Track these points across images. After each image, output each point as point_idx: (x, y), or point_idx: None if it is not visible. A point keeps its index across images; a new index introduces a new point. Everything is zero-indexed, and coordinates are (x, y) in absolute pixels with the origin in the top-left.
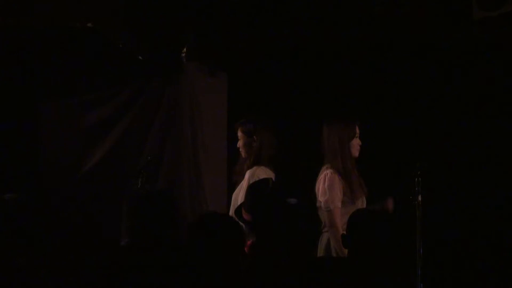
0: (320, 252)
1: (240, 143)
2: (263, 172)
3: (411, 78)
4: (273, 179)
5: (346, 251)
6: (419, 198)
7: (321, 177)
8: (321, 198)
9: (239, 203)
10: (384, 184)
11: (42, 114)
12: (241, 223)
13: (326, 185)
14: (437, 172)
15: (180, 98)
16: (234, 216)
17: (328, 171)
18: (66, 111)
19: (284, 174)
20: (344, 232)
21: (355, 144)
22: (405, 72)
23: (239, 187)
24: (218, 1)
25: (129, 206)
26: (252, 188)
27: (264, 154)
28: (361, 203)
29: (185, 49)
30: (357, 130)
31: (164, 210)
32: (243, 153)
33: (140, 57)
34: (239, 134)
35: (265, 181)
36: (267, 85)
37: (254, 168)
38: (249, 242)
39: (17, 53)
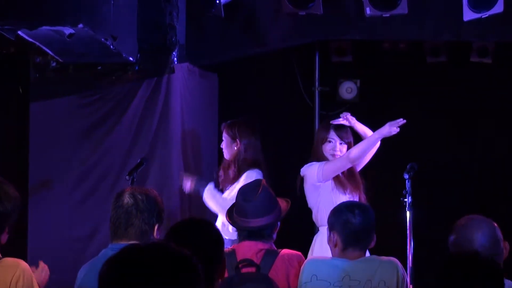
0: (311, 252)
1: (223, 144)
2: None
3: (404, 79)
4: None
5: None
6: (410, 199)
7: None
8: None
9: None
10: (376, 185)
11: (33, 114)
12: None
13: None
14: (427, 173)
15: (170, 99)
16: (226, 218)
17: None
18: (57, 112)
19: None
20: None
21: (328, 149)
22: (400, 74)
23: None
24: (209, 3)
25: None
26: (243, 190)
27: (248, 156)
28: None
29: (176, 51)
30: (333, 136)
31: (152, 210)
32: (225, 154)
33: (131, 59)
34: (224, 135)
35: (257, 182)
36: (257, 86)
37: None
38: (228, 249)
39: (9, 53)
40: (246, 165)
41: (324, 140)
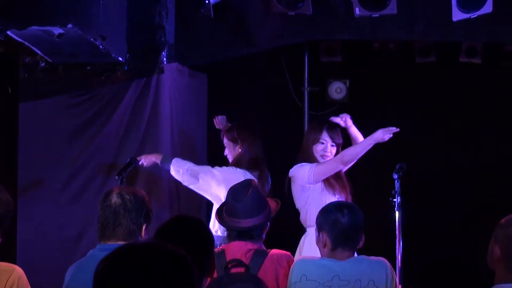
0: (299, 253)
1: (226, 150)
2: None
3: (394, 80)
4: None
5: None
6: (399, 199)
7: None
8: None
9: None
10: (367, 184)
11: (22, 114)
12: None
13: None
14: (417, 173)
15: (160, 100)
16: (215, 217)
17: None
18: (46, 112)
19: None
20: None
21: (318, 150)
22: (389, 74)
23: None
24: (198, 3)
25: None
26: (234, 190)
27: (245, 157)
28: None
29: (165, 51)
30: (325, 137)
31: (140, 209)
32: (229, 159)
33: (120, 59)
34: (225, 140)
35: (247, 182)
36: (246, 86)
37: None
38: (217, 249)
39: None
40: (242, 164)
41: (316, 140)
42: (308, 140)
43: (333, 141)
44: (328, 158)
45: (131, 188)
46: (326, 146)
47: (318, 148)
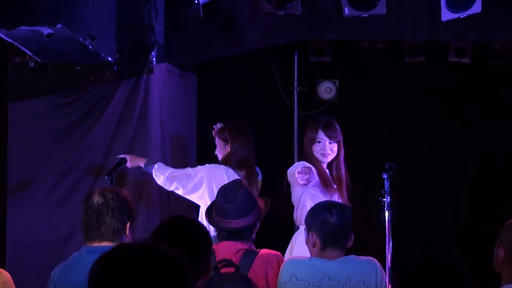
0: (290, 250)
1: (217, 150)
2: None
3: (383, 79)
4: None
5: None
6: (389, 199)
7: None
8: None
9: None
10: (354, 184)
11: (11, 115)
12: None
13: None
14: (406, 173)
15: (149, 100)
16: (204, 216)
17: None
18: (36, 112)
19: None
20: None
21: (318, 150)
22: (378, 74)
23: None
24: (188, 3)
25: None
26: (223, 190)
27: (234, 157)
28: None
29: (155, 51)
30: (321, 136)
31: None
32: (219, 158)
33: (109, 59)
34: (216, 140)
35: (236, 183)
36: (236, 86)
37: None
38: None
39: None
40: (229, 163)
41: (313, 141)
42: (307, 141)
43: (330, 139)
44: (329, 156)
45: (112, 187)
46: (324, 145)
47: (317, 148)
